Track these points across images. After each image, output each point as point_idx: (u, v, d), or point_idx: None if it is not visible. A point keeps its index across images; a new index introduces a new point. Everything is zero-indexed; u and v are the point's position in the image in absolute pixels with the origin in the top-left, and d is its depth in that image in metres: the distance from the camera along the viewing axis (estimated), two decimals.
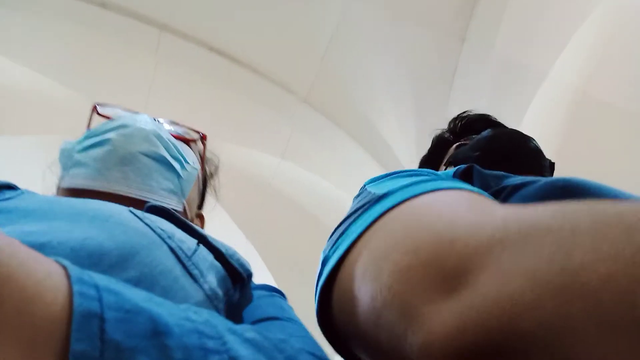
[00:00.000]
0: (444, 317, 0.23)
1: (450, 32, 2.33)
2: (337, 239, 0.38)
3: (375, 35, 2.29)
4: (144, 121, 0.58)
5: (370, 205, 0.37)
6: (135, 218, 0.41)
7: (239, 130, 2.63)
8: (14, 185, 0.44)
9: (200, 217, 0.73)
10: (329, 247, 0.39)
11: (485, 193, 0.37)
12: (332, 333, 0.37)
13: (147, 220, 0.41)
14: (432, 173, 0.48)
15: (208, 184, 0.77)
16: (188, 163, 0.62)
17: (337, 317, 0.35)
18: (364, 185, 0.48)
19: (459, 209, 0.30)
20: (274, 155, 2.79)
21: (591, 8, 2.21)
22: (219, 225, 2.93)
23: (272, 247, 3.18)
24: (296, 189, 3.01)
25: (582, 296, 0.19)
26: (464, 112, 0.88)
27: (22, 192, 0.43)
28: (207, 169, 0.77)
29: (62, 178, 0.56)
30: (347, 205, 0.46)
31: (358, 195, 0.46)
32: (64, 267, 0.21)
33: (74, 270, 0.21)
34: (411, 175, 0.44)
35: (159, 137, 0.58)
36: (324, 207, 3.01)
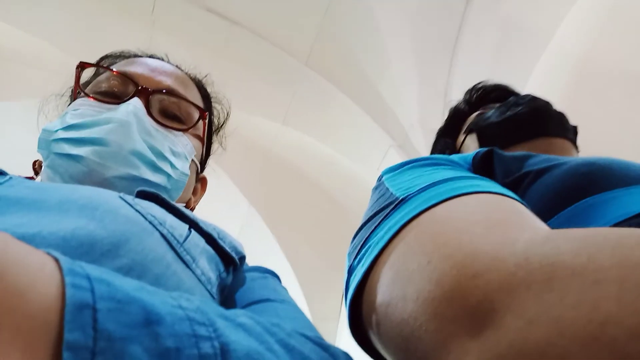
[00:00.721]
0: (473, 358, 0.24)
1: None
2: (360, 248, 0.38)
3: None
4: (126, 128, 0.52)
5: (391, 211, 0.38)
6: (126, 205, 0.40)
7: (238, 94, 2.60)
8: (2, 170, 0.43)
9: (202, 181, 0.71)
10: (353, 255, 0.40)
11: (508, 192, 0.37)
12: (362, 335, 0.38)
13: (137, 207, 0.41)
14: (450, 161, 0.47)
15: (215, 136, 0.74)
16: (176, 168, 0.58)
17: (367, 328, 0.36)
18: (381, 177, 0.47)
19: (481, 228, 0.30)
20: (275, 120, 2.77)
21: None
22: (222, 190, 2.94)
23: (275, 211, 3.21)
24: (297, 154, 3.01)
25: (610, 350, 0.19)
26: (479, 82, 0.87)
27: (10, 178, 0.42)
28: (215, 120, 0.74)
29: (44, 167, 0.55)
30: (347, 169, 0.46)
31: (376, 188, 0.46)
32: (56, 259, 0.21)
33: (66, 262, 0.21)
34: (430, 165, 0.44)
35: (140, 155, 0.53)
36: (326, 172, 3.02)
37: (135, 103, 0.56)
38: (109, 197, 0.40)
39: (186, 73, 0.69)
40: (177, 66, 0.69)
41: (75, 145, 0.52)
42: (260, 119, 2.77)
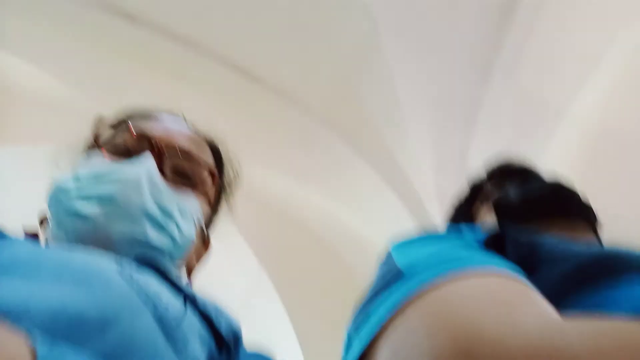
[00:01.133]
0: None
1: (473, 64, 2.34)
2: (360, 321, 0.38)
3: (398, 63, 2.31)
4: (136, 187, 0.53)
5: (392, 285, 0.37)
6: (122, 279, 0.40)
7: (256, 152, 2.65)
8: (1, 231, 0.43)
9: (207, 244, 0.70)
10: (353, 328, 0.39)
11: (518, 274, 0.36)
12: None
13: (133, 281, 0.40)
14: (460, 236, 0.47)
15: (222, 198, 0.74)
16: (182, 231, 0.58)
17: None
18: (388, 250, 0.47)
19: (485, 308, 0.29)
20: (291, 180, 2.79)
21: (613, 43, 2.21)
22: (232, 245, 2.92)
23: (285, 273, 3.15)
24: (311, 214, 3.00)
25: None
26: (501, 156, 0.88)
27: (9, 240, 0.42)
28: (224, 180, 0.74)
29: (50, 222, 0.55)
30: (361, 234, 0.45)
31: (384, 264, 0.46)
32: (34, 348, 0.21)
33: (42, 349, 0.21)
34: (438, 241, 0.44)
35: (148, 215, 0.53)
36: (338, 235, 2.98)
37: (148, 161, 0.56)
38: (106, 268, 0.40)
39: (201, 133, 0.71)
40: (192, 125, 0.70)
41: (84, 201, 0.52)
42: (277, 178, 2.80)
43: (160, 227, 0.54)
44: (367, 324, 0.35)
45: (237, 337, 0.48)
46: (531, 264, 0.42)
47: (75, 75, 2.37)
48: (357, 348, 0.35)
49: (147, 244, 0.53)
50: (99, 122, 0.64)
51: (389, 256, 0.45)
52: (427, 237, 0.47)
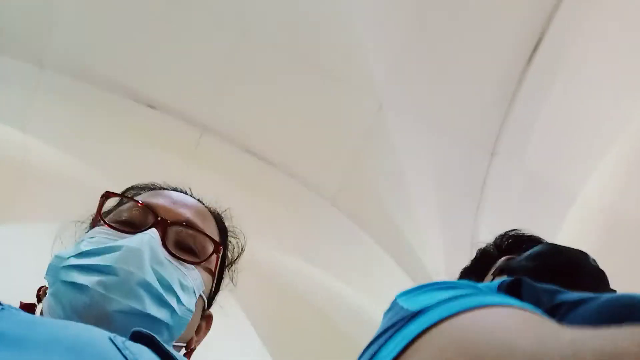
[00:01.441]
0: None
1: (479, 145, 2.38)
2: None
3: (405, 145, 2.36)
4: (138, 259, 0.53)
5: (404, 323, 0.33)
6: (115, 350, 0.38)
7: (263, 229, 2.65)
8: None
9: (208, 319, 0.68)
10: None
11: (540, 310, 0.33)
12: None
13: (126, 352, 0.38)
14: (473, 286, 0.44)
15: (225, 273, 0.73)
16: (182, 304, 0.56)
17: None
18: (395, 299, 0.44)
19: (512, 329, 0.26)
20: (297, 257, 2.76)
21: (624, 126, 2.23)
22: (233, 322, 2.82)
23: (288, 354, 3.00)
24: (318, 294, 2.92)
25: None
26: (513, 229, 0.86)
27: (2, 309, 0.41)
28: (229, 254, 0.73)
29: (47, 294, 0.54)
30: (370, 314, 0.43)
31: (389, 310, 0.42)
32: None
33: None
34: (448, 289, 0.40)
35: (147, 287, 0.52)
36: (346, 315, 2.87)
37: (152, 233, 0.56)
38: (98, 340, 0.38)
39: (206, 206, 0.71)
40: (199, 200, 0.71)
41: (83, 273, 0.52)
42: (282, 254, 2.77)
43: (159, 299, 0.53)
44: None
45: None
46: (554, 312, 0.39)
47: (93, 155, 2.45)
48: None
49: (145, 315, 0.51)
50: (105, 197, 0.65)
51: (394, 304, 0.42)
52: (437, 284, 0.43)
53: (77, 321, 0.48)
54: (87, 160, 2.46)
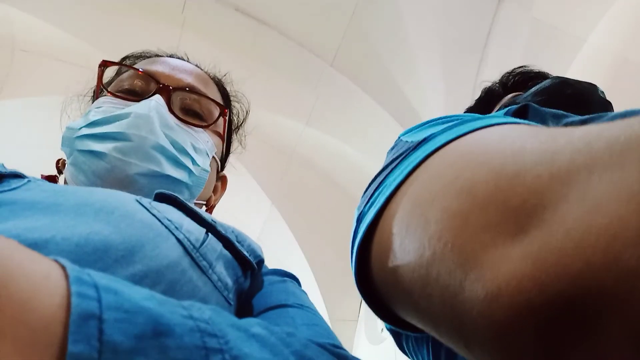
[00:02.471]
0: (514, 263, 0.18)
1: None
2: (373, 193, 0.33)
3: None
4: (148, 124, 0.53)
5: (410, 152, 0.32)
6: (142, 209, 0.40)
7: (263, 94, 2.62)
8: (21, 173, 0.43)
9: (223, 180, 0.72)
10: (364, 203, 0.34)
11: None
12: (372, 295, 0.32)
13: (154, 211, 0.40)
14: (478, 117, 0.41)
15: (234, 137, 0.75)
16: (198, 165, 0.59)
17: (377, 277, 0.30)
18: (399, 137, 0.42)
19: (522, 137, 0.24)
20: (299, 120, 2.77)
21: None
22: (244, 187, 2.96)
23: (296, 212, 3.22)
24: (321, 154, 3.00)
25: None
26: (519, 66, 0.80)
27: (29, 181, 0.42)
28: (235, 118, 0.74)
29: (67, 164, 0.56)
30: (371, 171, 0.43)
31: (392, 148, 0.41)
32: (63, 267, 0.21)
33: (73, 269, 0.21)
34: (453, 120, 0.38)
35: (162, 150, 0.54)
36: (348, 174, 3.00)
37: (157, 99, 0.56)
38: (126, 201, 0.40)
39: (206, 72, 0.70)
40: (197, 65, 0.70)
41: (98, 141, 0.53)
42: (285, 118, 2.78)
43: (175, 161, 0.55)
44: (382, 192, 0.31)
45: (259, 260, 0.49)
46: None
47: (78, 26, 2.31)
48: (371, 213, 0.31)
49: (165, 176, 0.54)
50: (104, 66, 0.63)
51: (398, 141, 0.41)
52: (441, 118, 0.41)
53: (101, 186, 0.50)
54: (73, 31, 2.33)
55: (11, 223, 0.32)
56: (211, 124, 0.63)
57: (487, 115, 0.40)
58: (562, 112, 0.42)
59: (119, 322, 0.20)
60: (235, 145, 0.76)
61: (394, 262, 0.27)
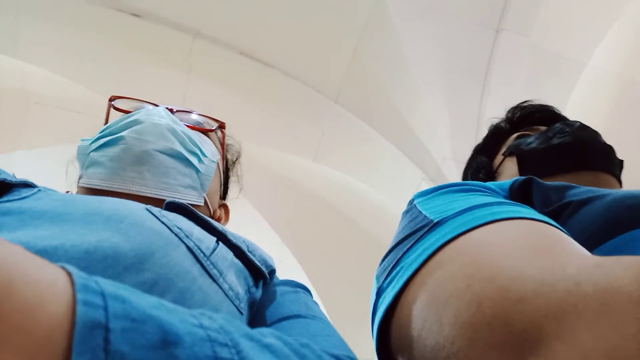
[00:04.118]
0: None
1: (484, 23, 2.27)
2: (391, 270, 0.36)
3: (405, 30, 2.25)
4: (158, 115, 0.57)
5: (425, 234, 0.36)
6: (152, 217, 0.40)
7: (270, 132, 2.65)
8: (31, 183, 0.43)
9: (225, 208, 0.72)
10: (383, 277, 0.38)
11: (550, 220, 0.35)
12: None
13: (164, 219, 0.40)
14: (486, 188, 0.45)
15: (231, 172, 0.76)
16: (206, 156, 0.61)
17: (396, 354, 0.34)
18: (412, 200, 0.46)
19: (524, 254, 0.28)
20: (306, 157, 2.79)
21: None
22: (252, 227, 2.95)
23: (307, 248, 3.19)
24: (329, 189, 3.00)
25: None
26: (524, 101, 0.83)
27: (39, 190, 0.42)
28: (229, 156, 0.76)
29: (80, 177, 0.57)
30: (379, 204, 0.44)
31: (407, 212, 0.44)
32: (69, 274, 0.20)
33: (80, 277, 0.20)
34: (464, 191, 0.42)
35: (174, 132, 0.57)
36: (357, 207, 2.99)
37: (162, 107, 0.61)
38: (135, 209, 0.40)
39: (204, 115, 0.75)
40: (196, 109, 0.76)
41: (113, 135, 0.55)
42: (292, 155, 2.80)
43: (185, 145, 0.58)
44: (400, 273, 0.34)
45: (271, 270, 0.48)
46: (561, 212, 0.41)
47: (90, 76, 2.38)
48: (390, 295, 0.34)
49: (179, 155, 0.56)
50: (112, 100, 0.67)
51: (412, 206, 0.44)
52: (452, 186, 0.45)
53: (120, 172, 0.52)
54: (84, 82, 2.40)
55: (20, 231, 0.32)
56: (211, 130, 0.67)
57: (494, 191, 0.44)
58: (563, 184, 0.46)
59: (125, 331, 0.19)
60: (233, 186, 0.78)
61: (412, 351, 0.30)
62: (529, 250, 0.28)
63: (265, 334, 0.27)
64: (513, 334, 0.24)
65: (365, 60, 2.38)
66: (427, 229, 0.36)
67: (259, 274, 0.45)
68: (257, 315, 0.45)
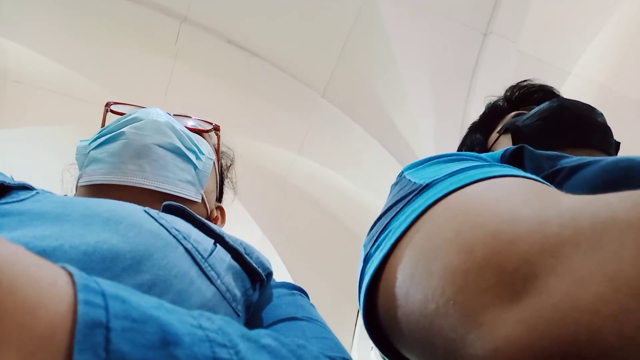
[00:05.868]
0: (510, 326, 0.21)
1: (472, 26, 2.29)
2: (379, 235, 0.35)
3: (394, 29, 2.26)
4: (156, 113, 0.59)
5: (414, 197, 0.34)
6: (150, 219, 0.40)
7: (255, 124, 2.64)
8: (29, 185, 0.44)
9: (220, 210, 0.73)
10: (370, 244, 0.36)
11: (543, 180, 0.33)
12: (378, 333, 0.34)
13: (162, 221, 0.41)
14: (477, 157, 0.44)
15: (225, 177, 0.77)
16: (203, 154, 0.62)
17: (383, 319, 0.32)
18: (402, 172, 0.44)
19: (516, 199, 0.27)
20: (291, 150, 2.79)
21: (617, 4, 2.15)
22: (235, 218, 2.94)
23: (288, 242, 3.19)
24: (312, 184, 3.01)
25: None
26: (523, 80, 0.81)
27: (37, 193, 0.42)
28: (223, 162, 0.77)
29: (79, 177, 0.57)
30: (361, 200, 0.43)
31: (396, 184, 0.42)
32: (70, 274, 0.20)
33: (80, 277, 0.20)
34: (454, 161, 0.40)
35: (173, 129, 0.58)
36: (340, 203, 3.00)
37: (158, 108, 0.62)
38: (134, 211, 0.40)
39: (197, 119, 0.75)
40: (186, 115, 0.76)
41: (113, 132, 0.56)
42: (276, 148, 2.79)
43: (183, 141, 0.59)
44: (388, 237, 0.33)
45: (268, 272, 0.49)
46: (553, 177, 0.40)
47: (71, 56, 2.33)
48: (378, 258, 0.33)
49: (177, 150, 0.57)
50: (107, 106, 0.67)
51: (401, 177, 0.42)
52: (443, 156, 0.43)
53: (120, 166, 0.53)
54: (66, 62, 2.34)
55: (20, 232, 0.32)
56: (207, 131, 0.68)
57: (485, 160, 0.42)
58: (555, 153, 0.44)
59: (126, 331, 0.19)
60: (228, 193, 0.78)
61: (399, 310, 0.29)
62: (522, 197, 0.27)
63: (263, 335, 0.27)
64: (505, 275, 0.22)
65: (353, 56, 2.39)
66: (416, 192, 0.34)
67: (256, 276, 0.46)
68: (253, 317, 0.45)
